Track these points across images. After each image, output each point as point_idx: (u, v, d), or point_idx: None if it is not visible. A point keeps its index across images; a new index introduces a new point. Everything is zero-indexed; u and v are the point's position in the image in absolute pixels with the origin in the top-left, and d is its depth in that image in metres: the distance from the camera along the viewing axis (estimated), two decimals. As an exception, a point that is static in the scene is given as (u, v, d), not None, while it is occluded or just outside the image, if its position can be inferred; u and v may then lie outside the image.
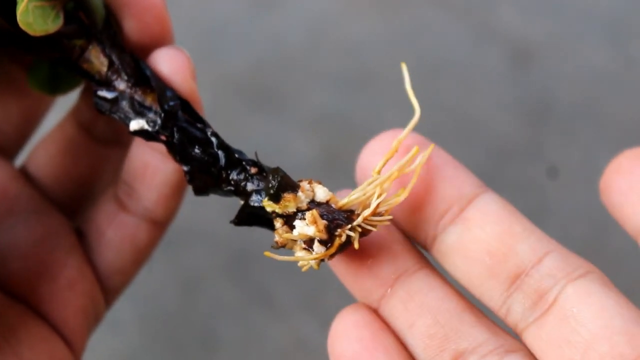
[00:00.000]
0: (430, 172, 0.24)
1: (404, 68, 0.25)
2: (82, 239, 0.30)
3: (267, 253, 0.23)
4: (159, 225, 0.30)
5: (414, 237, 0.25)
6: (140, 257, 0.30)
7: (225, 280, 0.54)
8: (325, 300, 0.53)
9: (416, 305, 0.24)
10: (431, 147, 0.24)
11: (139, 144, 0.28)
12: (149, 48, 0.27)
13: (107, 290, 0.30)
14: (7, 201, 0.29)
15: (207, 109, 0.76)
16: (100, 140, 0.31)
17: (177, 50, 0.27)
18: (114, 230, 0.29)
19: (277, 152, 0.65)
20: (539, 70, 0.70)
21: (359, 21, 0.72)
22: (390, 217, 0.24)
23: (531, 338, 0.23)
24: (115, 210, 0.29)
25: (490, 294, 0.24)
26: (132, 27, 0.27)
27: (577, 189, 0.63)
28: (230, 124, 0.66)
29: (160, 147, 0.27)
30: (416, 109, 0.25)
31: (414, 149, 0.24)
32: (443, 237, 0.24)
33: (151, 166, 0.28)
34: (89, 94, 0.30)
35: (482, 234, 0.23)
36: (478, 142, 0.66)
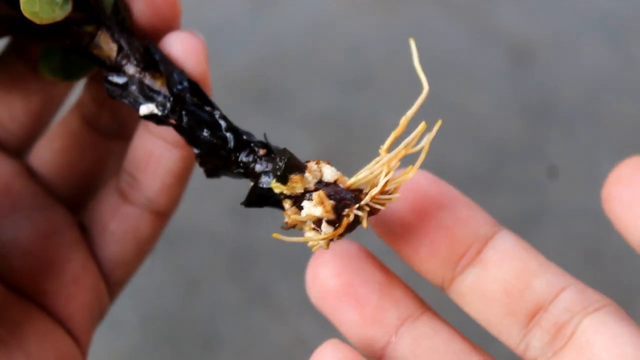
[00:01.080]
0: (445, 214, 0.24)
1: (412, 44, 0.25)
2: (85, 233, 0.30)
3: (275, 235, 0.23)
4: (162, 216, 0.30)
5: (431, 279, 0.25)
6: (143, 248, 0.30)
7: (225, 280, 0.54)
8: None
9: (424, 349, 0.24)
10: (439, 123, 0.24)
11: (142, 133, 0.28)
12: (159, 32, 0.27)
13: (111, 283, 0.30)
14: (11, 197, 0.29)
15: (207, 109, 0.75)
16: (104, 133, 0.31)
17: (191, 33, 0.27)
18: (117, 223, 0.29)
19: (277, 152, 0.65)
20: (539, 70, 0.70)
21: (359, 21, 0.72)
22: (398, 195, 0.23)
23: None
24: (118, 202, 0.29)
25: (508, 332, 0.24)
26: (142, 10, 0.27)
27: (577, 189, 0.63)
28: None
29: (164, 135, 0.27)
30: (424, 85, 0.25)
31: (421, 125, 0.24)
32: (461, 279, 0.24)
33: (155, 155, 0.28)
34: (92, 87, 0.30)
35: (500, 273, 0.24)
36: (478, 141, 0.66)
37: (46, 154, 0.31)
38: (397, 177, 0.24)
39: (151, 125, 0.27)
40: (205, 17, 0.72)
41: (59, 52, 0.28)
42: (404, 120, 0.24)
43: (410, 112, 0.24)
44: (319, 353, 0.23)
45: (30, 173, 0.30)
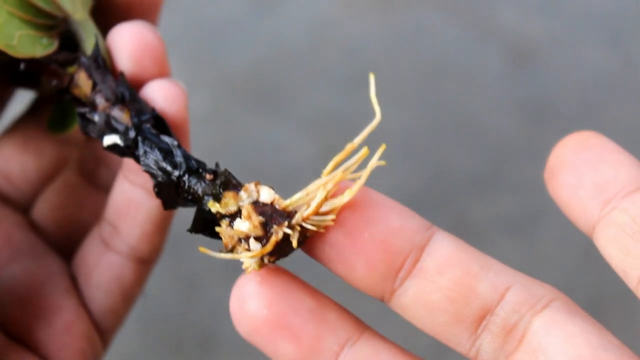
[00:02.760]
0: (376, 226, 0.23)
1: (372, 78, 0.25)
2: (75, 282, 0.30)
3: (202, 249, 0.23)
4: (145, 262, 0.30)
5: (371, 294, 0.24)
6: (129, 296, 0.30)
7: (225, 280, 0.54)
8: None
9: None
10: (382, 148, 0.24)
11: (121, 182, 0.29)
12: (144, 79, 0.28)
13: (102, 331, 0.30)
14: (11, 248, 0.30)
15: (207, 109, 0.76)
16: (102, 188, 0.31)
17: (171, 81, 0.27)
18: (101, 271, 0.30)
19: (277, 152, 0.65)
20: (539, 70, 0.70)
21: (359, 21, 0.72)
22: (332, 216, 0.23)
23: None
24: (101, 251, 0.30)
25: (457, 340, 0.23)
26: (130, 67, 0.27)
27: (577, 189, 0.63)
28: (230, 124, 0.66)
29: (142, 183, 0.28)
30: (377, 114, 0.24)
31: (363, 150, 0.23)
32: (402, 291, 0.23)
33: (134, 203, 0.28)
34: (91, 145, 0.31)
35: (441, 281, 0.23)
36: (478, 142, 0.66)
37: (45, 207, 0.31)
38: (333, 200, 0.23)
39: (130, 174, 0.28)
40: (205, 17, 0.72)
41: (55, 106, 0.29)
42: (349, 146, 0.24)
43: (357, 139, 0.24)
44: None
45: (30, 224, 0.31)
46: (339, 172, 0.23)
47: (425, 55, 0.70)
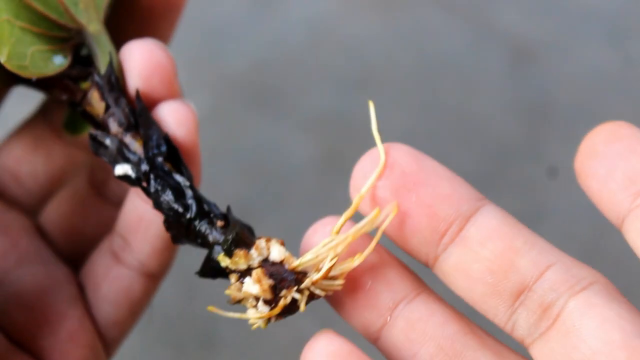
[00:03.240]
0: (425, 191, 0.23)
1: (371, 106, 0.25)
2: (83, 292, 0.30)
3: (210, 308, 0.24)
4: (154, 277, 0.30)
5: (416, 257, 0.24)
6: (137, 309, 0.30)
7: (225, 280, 0.54)
8: (325, 301, 0.53)
9: (418, 334, 0.23)
10: (394, 208, 0.24)
11: (133, 197, 0.29)
12: (155, 99, 0.28)
13: (106, 342, 0.30)
14: (18, 252, 0.30)
15: (207, 109, 0.76)
16: (111, 200, 0.32)
17: (182, 103, 0.28)
18: (110, 283, 0.30)
19: (277, 152, 0.65)
20: (539, 70, 0.70)
21: (359, 21, 0.72)
22: (342, 281, 0.23)
23: (537, 353, 0.23)
24: (111, 263, 0.30)
25: (494, 312, 0.23)
26: (138, 86, 0.27)
27: (577, 189, 0.63)
28: (231, 124, 0.66)
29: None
30: (381, 155, 0.24)
31: (374, 211, 0.23)
32: (444, 257, 0.24)
33: (145, 220, 0.28)
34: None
35: (483, 252, 0.23)
36: (478, 142, 0.66)
37: (53, 216, 0.31)
38: (342, 264, 0.23)
39: (140, 191, 0.28)
40: (205, 18, 0.72)
41: (67, 107, 0.29)
42: (356, 200, 0.24)
43: (363, 190, 0.24)
44: (311, 344, 0.23)
45: (38, 230, 0.31)
46: (350, 235, 0.23)
47: (425, 55, 0.70)
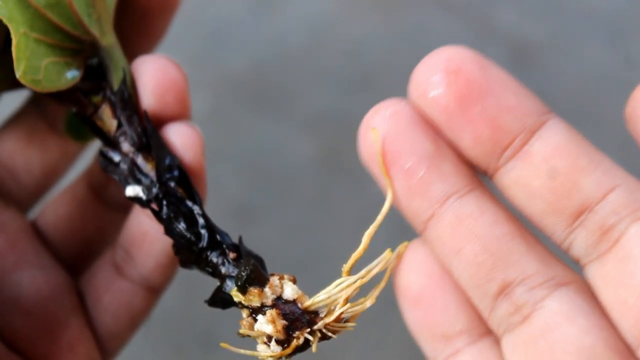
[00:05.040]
0: (490, 101, 0.23)
1: (376, 135, 0.24)
2: (82, 300, 0.30)
3: (223, 344, 0.24)
4: (155, 291, 0.30)
5: (475, 166, 0.23)
6: (136, 321, 0.30)
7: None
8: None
9: (465, 230, 0.23)
10: (404, 246, 0.24)
11: (138, 212, 0.29)
12: (164, 120, 0.28)
13: (105, 353, 0.30)
14: (17, 253, 0.29)
15: (207, 109, 0.76)
16: (109, 204, 0.31)
17: (190, 126, 0.27)
18: (111, 296, 0.29)
19: (277, 152, 0.65)
20: (539, 71, 0.70)
21: (359, 21, 0.72)
22: (353, 324, 0.24)
23: (592, 274, 0.22)
24: (113, 276, 0.30)
25: (552, 229, 0.23)
26: (151, 103, 0.27)
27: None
28: (231, 124, 0.66)
29: None
30: (389, 193, 0.24)
31: (386, 252, 0.23)
32: (505, 170, 0.23)
33: (150, 235, 0.28)
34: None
35: (546, 169, 0.22)
36: (478, 142, 0.66)
37: (51, 217, 0.31)
38: (354, 306, 0.24)
39: (147, 210, 0.28)
40: (205, 18, 0.72)
41: (71, 111, 0.29)
42: (366, 239, 0.24)
43: (372, 228, 0.24)
44: (409, 248, 0.23)
45: (36, 232, 0.31)
46: (362, 276, 0.24)
47: (425, 56, 0.70)
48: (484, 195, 0.23)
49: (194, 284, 0.60)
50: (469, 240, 0.23)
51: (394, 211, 0.24)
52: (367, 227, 0.24)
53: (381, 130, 0.23)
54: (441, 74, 0.24)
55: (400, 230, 0.25)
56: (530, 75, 0.70)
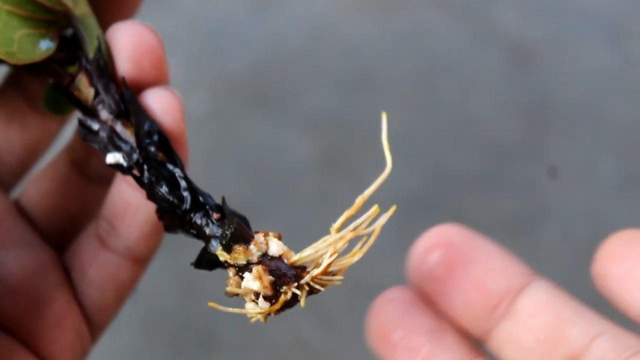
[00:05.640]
0: (477, 267, 0.24)
1: (384, 118, 0.25)
2: (68, 275, 0.30)
3: (211, 304, 0.24)
4: (140, 262, 0.30)
5: (469, 331, 0.25)
6: (123, 293, 0.30)
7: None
8: (325, 301, 0.53)
9: None
10: (393, 209, 0.24)
11: (120, 182, 0.28)
12: (143, 85, 0.27)
13: (92, 327, 0.30)
14: (1, 233, 0.29)
15: (207, 109, 0.76)
16: (92, 178, 0.31)
17: (168, 91, 0.27)
18: (96, 269, 0.29)
19: (277, 152, 0.65)
20: (538, 71, 0.70)
21: (359, 21, 0.72)
22: (341, 277, 0.24)
23: None
24: (97, 248, 0.29)
25: None
26: (128, 69, 0.27)
27: (577, 189, 0.63)
28: (230, 124, 0.66)
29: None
30: (388, 163, 0.25)
31: (373, 208, 0.24)
32: (497, 331, 0.24)
33: (132, 205, 0.28)
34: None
35: (533, 323, 0.24)
36: (478, 142, 0.66)
37: (34, 195, 0.31)
38: (341, 259, 0.24)
39: (128, 178, 0.27)
40: (205, 18, 0.72)
41: (49, 86, 0.29)
42: (359, 200, 0.24)
43: (367, 192, 0.24)
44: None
45: (19, 211, 0.31)
46: (349, 231, 0.24)
47: (425, 55, 0.70)
48: None
49: (194, 284, 0.60)
50: None
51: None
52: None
53: (385, 314, 0.25)
54: (433, 248, 0.25)
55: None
56: (530, 75, 0.70)
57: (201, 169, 0.61)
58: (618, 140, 0.65)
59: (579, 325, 0.24)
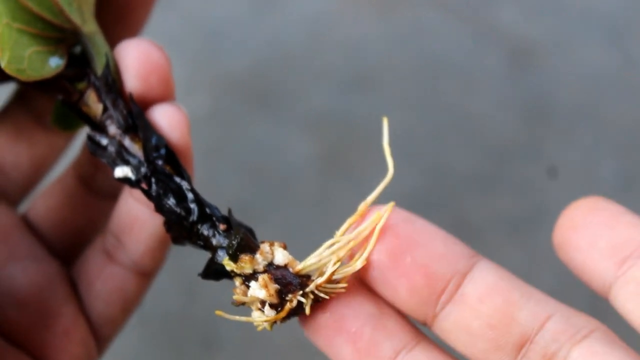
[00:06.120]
0: (420, 252, 0.24)
1: (385, 123, 0.25)
2: (75, 289, 0.30)
3: (218, 312, 0.24)
4: (147, 275, 0.30)
5: (414, 317, 0.25)
6: (129, 307, 0.31)
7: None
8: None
9: None
10: (390, 206, 0.24)
11: (126, 197, 0.29)
12: (149, 102, 0.28)
13: (99, 339, 0.30)
14: (9, 247, 0.29)
15: (207, 109, 0.76)
16: (99, 193, 0.31)
17: (175, 107, 0.28)
18: (103, 282, 0.30)
19: (277, 152, 0.65)
20: (539, 70, 0.70)
21: (359, 21, 0.72)
22: (345, 285, 0.24)
23: None
24: (104, 262, 0.30)
25: None
26: (136, 85, 0.27)
27: (577, 189, 0.63)
28: (230, 124, 0.66)
29: (148, 202, 0.28)
30: (390, 168, 0.25)
31: (375, 214, 0.24)
32: (443, 316, 0.24)
33: (139, 220, 0.29)
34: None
35: (482, 308, 0.23)
36: (478, 142, 0.66)
37: (42, 209, 0.31)
38: (345, 268, 0.24)
39: (135, 192, 0.28)
40: (205, 17, 0.72)
41: (58, 103, 0.29)
42: (362, 206, 0.24)
43: (369, 199, 0.24)
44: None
45: (27, 225, 0.31)
46: (351, 238, 0.24)
47: (425, 55, 0.70)
48: (430, 346, 0.24)
49: (194, 285, 0.60)
50: None
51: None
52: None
53: (327, 305, 0.24)
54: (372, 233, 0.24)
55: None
56: (530, 75, 0.70)
57: (201, 169, 0.61)
58: (618, 141, 0.65)
59: (528, 307, 0.23)
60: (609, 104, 0.68)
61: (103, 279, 0.30)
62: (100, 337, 0.30)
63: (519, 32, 0.72)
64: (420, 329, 0.25)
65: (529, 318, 0.23)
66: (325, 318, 0.24)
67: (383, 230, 0.24)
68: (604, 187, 0.62)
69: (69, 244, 0.31)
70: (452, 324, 0.24)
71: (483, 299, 0.23)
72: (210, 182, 0.61)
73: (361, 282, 0.25)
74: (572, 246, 0.24)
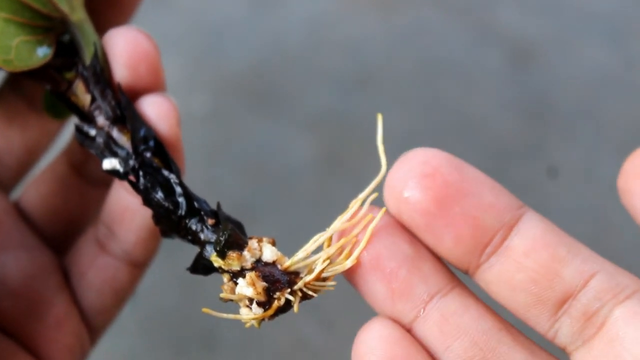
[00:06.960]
0: (468, 201, 0.23)
1: (379, 119, 0.25)
2: (67, 278, 0.30)
3: (205, 309, 0.24)
4: (139, 266, 0.30)
5: (456, 265, 0.24)
6: (121, 297, 0.30)
7: (220, 286, 0.54)
8: (325, 301, 0.53)
9: (452, 327, 0.23)
10: (382, 211, 0.24)
11: (118, 187, 0.29)
12: (139, 91, 0.28)
13: (91, 329, 0.30)
14: (1, 235, 0.29)
15: (207, 109, 0.76)
16: (91, 181, 0.31)
17: (164, 97, 0.27)
18: (95, 272, 0.30)
19: (277, 152, 0.65)
20: (539, 70, 0.70)
21: (359, 21, 0.72)
22: (333, 283, 0.24)
23: None
24: (96, 252, 0.30)
25: (536, 319, 0.23)
26: (124, 75, 0.27)
27: (577, 189, 0.63)
28: (231, 124, 0.66)
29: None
30: (383, 165, 0.24)
31: (368, 216, 0.24)
32: (487, 267, 0.24)
33: (130, 210, 0.28)
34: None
35: (527, 262, 0.23)
36: (478, 142, 0.66)
37: (33, 197, 0.31)
38: (334, 265, 0.24)
39: (125, 183, 0.28)
40: (205, 17, 0.72)
41: (48, 89, 0.29)
42: (353, 203, 0.24)
43: (361, 195, 0.24)
44: (367, 330, 0.23)
45: (19, 213, 0.31)
46: (335, 229, 0.24)
47: (425, 55, 0.70)
48: (465, 292, 0.24)
49: (193, 284, 0.60)
50: (457, 336, 0.23)
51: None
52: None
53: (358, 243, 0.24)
54: (417, 178, 0.23)
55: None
56: (530, 75, 0.70)
57: (201, 168, 0.61)
58: (618, 141, 0.65)
59: (574, 264, 0.23)
60: (609, 104, 0.68)
61: (95, 269, 0.29)
62: (92, 327, 0.30)
63: (519, 32, 0.72)
64: (455, 274, 0.24)
65: (574, 275, 0.23)
66: (361, 257, 0.24)
67: (430, 176, 0.23)
68: (604, 187, 0.62)
69: (61, 232, 0.31)
70: (495, 275, 0.23)
71: (529, 253, 0.23)
72: (210, 182, 0.61)
73: (400, 224, 0.24)
74: (635, 192, 0.23)
